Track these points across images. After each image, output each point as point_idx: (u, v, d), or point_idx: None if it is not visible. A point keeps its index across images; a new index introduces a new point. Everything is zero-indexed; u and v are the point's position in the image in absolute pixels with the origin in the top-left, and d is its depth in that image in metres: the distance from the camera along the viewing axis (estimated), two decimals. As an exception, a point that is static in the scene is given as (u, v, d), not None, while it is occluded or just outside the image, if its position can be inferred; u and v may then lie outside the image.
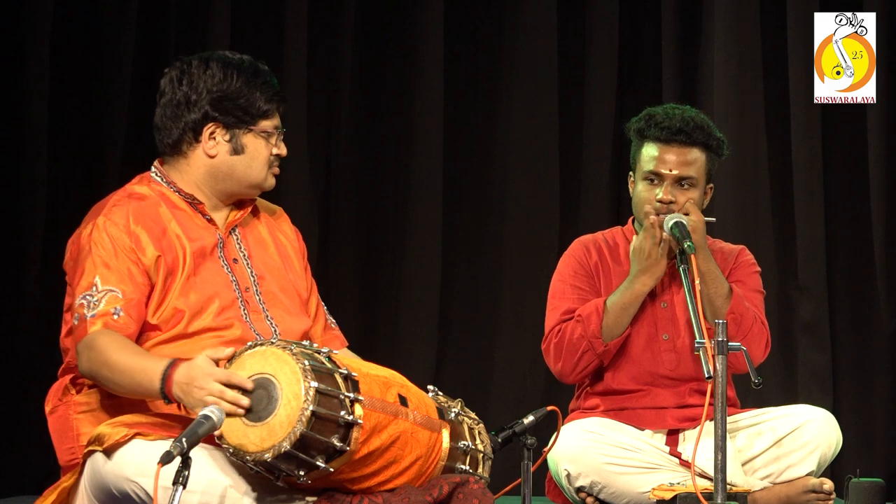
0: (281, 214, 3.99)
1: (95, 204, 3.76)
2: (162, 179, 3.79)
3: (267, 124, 3.78)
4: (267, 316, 3.75)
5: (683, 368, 4.57)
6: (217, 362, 3.40)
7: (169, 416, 3.56)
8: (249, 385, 3.34)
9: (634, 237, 4.56)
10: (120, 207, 3.70)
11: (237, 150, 3.77)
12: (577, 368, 4.57)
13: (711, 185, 4.61)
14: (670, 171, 4.51)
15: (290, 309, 3.82)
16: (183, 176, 3.78)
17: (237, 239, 3.82)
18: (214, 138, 3.75)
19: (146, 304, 3.63)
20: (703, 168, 4.55)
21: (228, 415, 3.31)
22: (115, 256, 3.61)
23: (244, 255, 3.81)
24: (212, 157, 3.76)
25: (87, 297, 3.58)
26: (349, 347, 4.01)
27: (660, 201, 4.50)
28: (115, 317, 3.56)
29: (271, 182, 3.83)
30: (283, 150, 3.83)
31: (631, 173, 4.62)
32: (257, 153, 3.78)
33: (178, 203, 3.76)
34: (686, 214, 4.47)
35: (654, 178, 4.53)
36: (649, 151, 4.54)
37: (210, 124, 3.74)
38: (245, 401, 3.33)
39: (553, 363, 4.60)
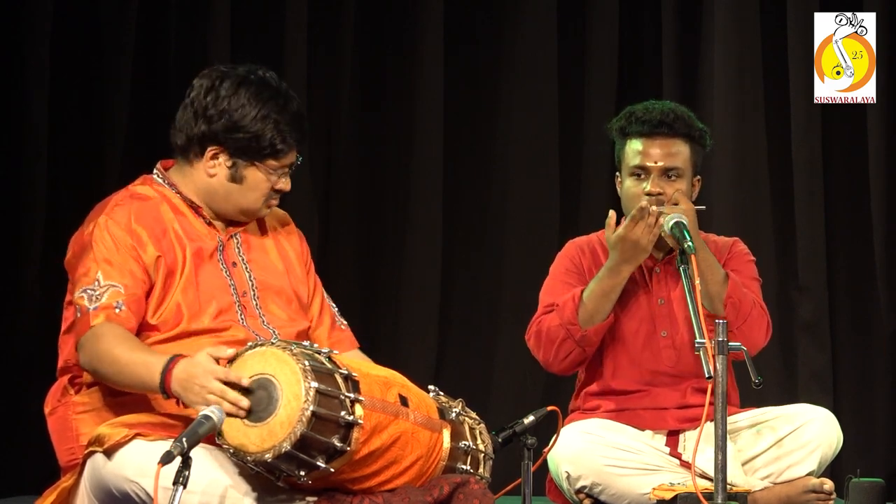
0: (286, 219, 3.97)
1: (97, 204, 3.76)
2: (164, 182, 3.79)
3: (274, 163, 3.74)
4: (264, 321, 3.74)
5: (684, 365, 4.57)
6: (217, 361, 3.40)
7: (169, 416, 3.56)
8: (246, 383, 3.34)
9: (609, 228, 4.50)
10: (122, 207, 3.70)
11: (235, 179, 3.74)
12: (558, 357, 4.55)
13: (699, 177, 4.61)
14: (656, 163, 4.51)
15: (289, 314, 3.81)
16: (185, 180, 3.77)
17: (237, 243, 3.82)
18: (217, 160, 3.73)
19: (146, 301, 3.63)
20: (689, 159, 4.55)
21: (229, 415, 3.31)
22: (116, 253, 3.62)
23: (243, 260, 3.80)
24: (211, 176, 3.75)
25: (89, 290, 3.58)
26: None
27: (648, 193, 4.49)
28: (118, 310, 3.56)
29: (265, 213, 3.81)
30: (287, 187, 3.79)
31: (617, 173, 4.62)
32: (256, 186, 3.75)
33: (179, 206, 3.76)
34: (675, 205, 4.46)
35: (641, 172, 4.53)
36: (633, 147, 4.54)
37: (216, 146, 3.72)
38: (245, 402, 3.32)
39: (535, 352, 4.60)
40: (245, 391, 3.34)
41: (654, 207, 4.43)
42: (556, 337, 4.52)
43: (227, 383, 3.35)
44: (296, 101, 3.77)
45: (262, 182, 3.75)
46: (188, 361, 3.41)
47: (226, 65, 3.80)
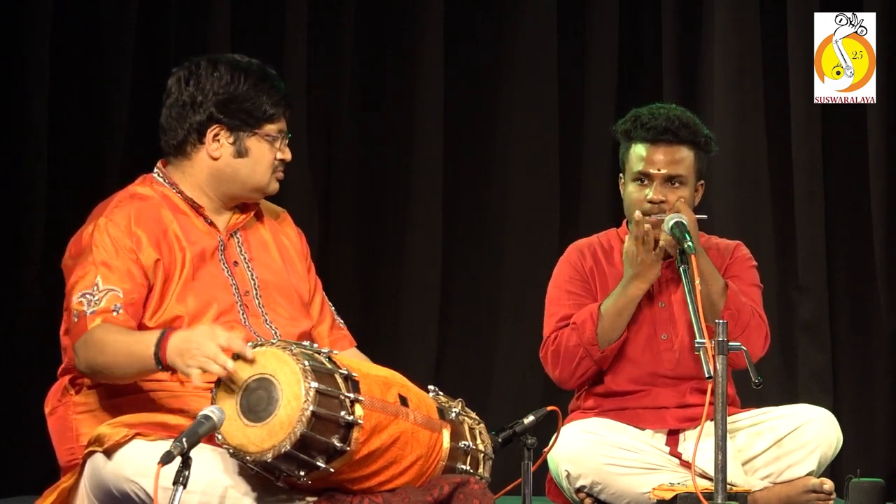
0: (284, 217, 3.99)
1: (98, 204, 3.76)
2: (164, 181, 3.79)
3: (271, 128, 3.78)
4: (266, 320, 3.74)
5: (683, 368, 4.57)
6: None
7: (169, 416, 3.56)
8: (250, 356, 3.32)
9: (627, 237, 4.56)
10: (121, 208, 3.70)
11: (241, 153, 3.77)
12: (575, 374, 4.58)
13: (703, 181, 4.61)
14: (659, 170, 4.51)
15: (291, 312, 3.81)
16: (186, 178, 3.78)
17: (238, 242, 3.82)
18: (218, 140, 3.75)
19: (145, 304, 3.63)
20: (693, 166, 4.55)
21: (228, 411, 3.31)
22: (115, 256, 3.61)
23: (245, 259, 3.80)
24: (215, 159, 3.76)
25: (88, 295, 3.57)
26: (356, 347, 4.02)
27: (650, 201, 4.50)
28: (115, 314, 3.55)
29: (275, 187, 3.83)
30: (288, 155, 3.83)
31: (621, 175, 4.62)
32: (261, 157, 3.78)
33: (180, 205, 3.76)
34: (677, 213, 4.46)
35: (644, 178, 4.53)
36: (637, 152, 4.54)
37: (214, 126, 3.74)
38: (231, 364, 3.31)
39: (551, 370, 4.61)
40: (247, 392, 3.33)
41: (638, 216, 4.42)
42: (574, 355, 4.54)
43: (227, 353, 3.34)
44: (269, 66, 3.83)
45: (266, 153, 3.78)
46: (189, 329, 3.43)
47: (186, 59, 3.82)
